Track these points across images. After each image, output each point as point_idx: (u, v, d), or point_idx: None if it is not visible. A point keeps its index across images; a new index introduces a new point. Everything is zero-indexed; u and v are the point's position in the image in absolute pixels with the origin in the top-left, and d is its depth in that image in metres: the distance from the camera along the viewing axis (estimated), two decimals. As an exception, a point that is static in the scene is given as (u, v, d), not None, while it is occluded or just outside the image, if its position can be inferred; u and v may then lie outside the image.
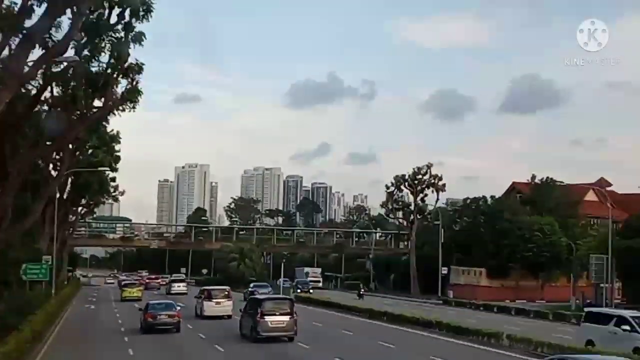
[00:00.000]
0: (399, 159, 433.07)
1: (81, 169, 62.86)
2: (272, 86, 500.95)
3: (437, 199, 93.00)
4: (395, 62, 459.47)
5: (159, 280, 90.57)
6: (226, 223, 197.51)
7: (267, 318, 32.71)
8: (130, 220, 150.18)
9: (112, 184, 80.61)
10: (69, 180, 69.09)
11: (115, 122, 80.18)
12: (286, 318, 33.10)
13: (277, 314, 33.22)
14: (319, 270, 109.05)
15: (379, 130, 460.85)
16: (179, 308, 40.33)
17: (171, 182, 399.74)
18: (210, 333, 37.03)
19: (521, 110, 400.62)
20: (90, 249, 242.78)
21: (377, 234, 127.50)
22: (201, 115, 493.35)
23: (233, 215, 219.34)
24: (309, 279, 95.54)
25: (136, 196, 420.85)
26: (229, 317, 43.31)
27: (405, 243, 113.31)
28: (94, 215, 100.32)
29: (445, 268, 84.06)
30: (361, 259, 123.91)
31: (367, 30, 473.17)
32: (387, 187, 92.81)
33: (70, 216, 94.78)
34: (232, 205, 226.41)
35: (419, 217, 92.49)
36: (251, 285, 71.48)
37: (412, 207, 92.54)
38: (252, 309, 34.09)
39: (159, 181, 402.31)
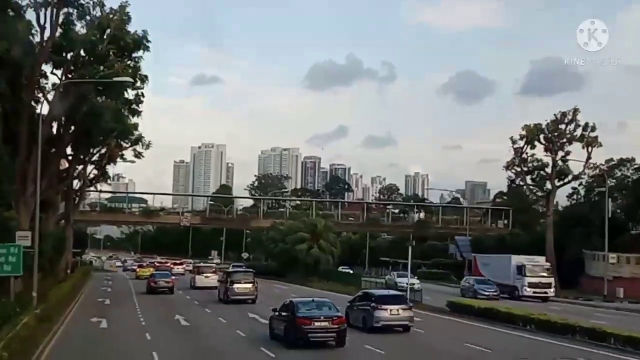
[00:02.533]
0: (416, 142, 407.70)
1: (84, 80, 35.06)
2: (290, 69, 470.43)
3: (589, 157, 61.96)
4: (414, 45, 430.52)
5: (168, 264, 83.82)
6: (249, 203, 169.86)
7: (235, 285, 41.78)
8: (146, 201, 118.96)
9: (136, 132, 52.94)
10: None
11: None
12: (249, 285, 42.11)
13: (242, 282, 42.24)
14: (542, 260, 55.42)
15: (396, 112, 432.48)
16: (173, 277, 54.23)
17: (187, 163, 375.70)
18: (200, 298, 45.26)
19: (541, 93, 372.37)
20: (105, 229, 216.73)
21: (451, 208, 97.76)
22: (218, 97, 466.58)
23: (257, 194, 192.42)
24: (527, 279, 51.86)
25: (150, 178, 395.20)
26: (215, 287, 46.81)
27: (505, 221, 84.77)
28: (109, 183, 71.80)
29: (614, 256, 56.13)
30: (433, 241, 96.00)
31: (384, 12, 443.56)
32: (514, 142, 63.12)
33: (76, 181, 67.43)
34: (256, 184, 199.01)
35: (558, 182, 63.52)
36: (232, 264, 75.17)
37: (549, 170, 63.11)
38: (225, 279, 43.71)
39: (175, 162, 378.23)
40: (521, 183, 66.18)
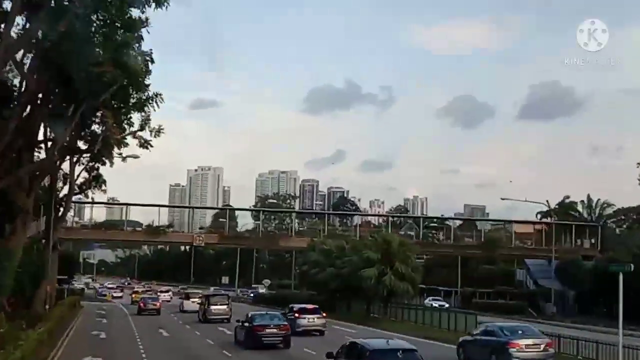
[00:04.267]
0: (413, 165, 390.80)
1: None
2: (289, 92, 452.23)
3: None
4: (412, 69, 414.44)
5: (150, 292, 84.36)
6: (250, 226, 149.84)
7: (212, 307, 45.74)
8: (141, 224, 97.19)
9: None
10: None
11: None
12: (224, 307, 45.83)
13: (219, 304, 46.23)
14: None
15: (394, 136, 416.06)
16: (161, 301, 60.85)
17: (183, 186, 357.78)
18: (184, 319, 48.29)
19: (539, 117, 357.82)
20: (99, 253, 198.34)
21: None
22: (216, 121, 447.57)
23: (260, 217, 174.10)
24: None
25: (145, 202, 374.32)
26: None
27: (592, 241, 67.35)
28: (103, 189, 53.66)
29: None
30: (486, 265, 78.42)
31: (383, 37, 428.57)
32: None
33: (61, 186, 50.36)
34: (259, 205, 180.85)
35: None
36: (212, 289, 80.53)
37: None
38: (204, 302, 47.87)
39: (170, 185, 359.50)
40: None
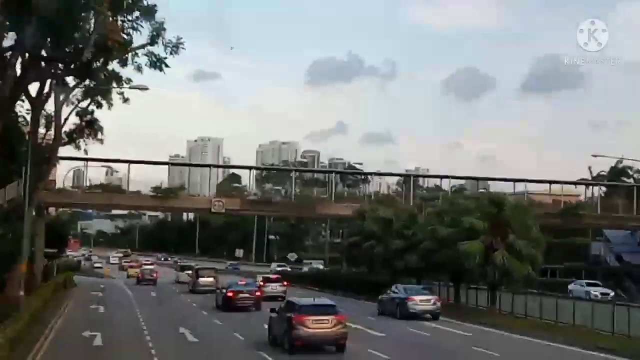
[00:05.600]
0: (415, 138, 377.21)
1: None
2: (291, 65, 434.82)
3: None
4: (415, 43, 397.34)
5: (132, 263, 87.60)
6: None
7: (201, 279, 48.23)
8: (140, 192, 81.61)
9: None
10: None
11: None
12: (211, 279, 47.40)
13: (206, 276, 48.52)
14: None
15: (396, 109, 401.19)
16: (157, 272, 63.72)
17: (182, 157, 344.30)
18: (180, 288, 52.33)
19: (541, 91, 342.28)
20: (97, 223, 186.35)
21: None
22: (217, 94, 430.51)
23: (266, 184, 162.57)
24: None
25: (144, 174, 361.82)
26: None
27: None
28: (100, 138, 41.02)
29: None
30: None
31: (386, 10, 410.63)
32: None
33: (45, 133, 38.59)
34: (264, 174, 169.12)
35: None
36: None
37: None
38: (193, 274, 50.88)
39: (170, 156, 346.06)
40: None
